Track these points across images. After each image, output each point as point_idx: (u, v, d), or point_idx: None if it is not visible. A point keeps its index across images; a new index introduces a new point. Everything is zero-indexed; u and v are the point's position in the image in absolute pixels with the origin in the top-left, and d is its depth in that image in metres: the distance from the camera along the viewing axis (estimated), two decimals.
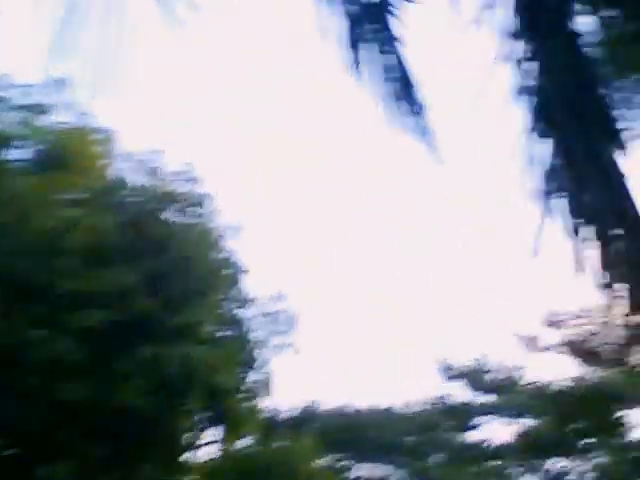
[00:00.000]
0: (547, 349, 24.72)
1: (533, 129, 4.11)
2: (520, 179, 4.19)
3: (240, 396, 13.24)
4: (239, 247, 13.52)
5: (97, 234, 12.25)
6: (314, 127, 28.86)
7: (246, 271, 13.54)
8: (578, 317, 24.57)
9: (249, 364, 13.39)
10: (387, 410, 22.20)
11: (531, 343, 24.52)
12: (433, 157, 4.35)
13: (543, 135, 4.10)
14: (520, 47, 4.20)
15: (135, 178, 13.46)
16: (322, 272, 25.18)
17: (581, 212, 4.09)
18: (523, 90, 4.13)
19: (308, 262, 27.97)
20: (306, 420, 20.76)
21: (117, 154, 13.90)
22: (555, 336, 24.71)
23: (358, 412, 21.84)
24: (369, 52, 4.41)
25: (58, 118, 13.92)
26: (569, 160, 4.05)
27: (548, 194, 4.14)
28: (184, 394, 12.45)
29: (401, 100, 4.39)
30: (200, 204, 13.35)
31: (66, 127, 14.05)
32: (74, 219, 12.29)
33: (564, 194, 4.14)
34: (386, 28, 4.39)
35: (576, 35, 4.23)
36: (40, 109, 13.84)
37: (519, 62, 4.18)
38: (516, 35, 4.23)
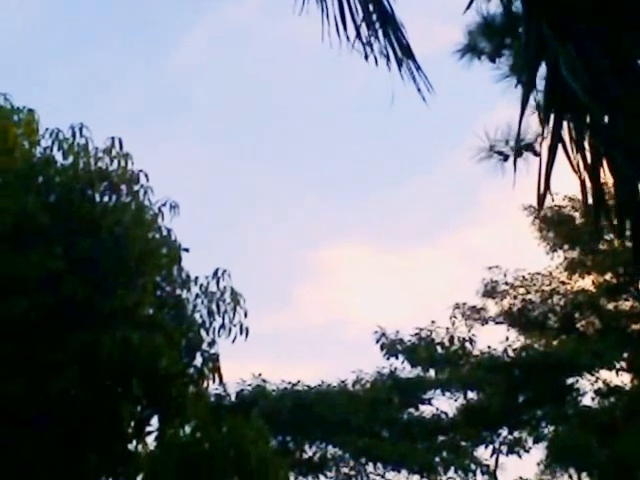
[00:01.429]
0: (490, 320, 24.68)
1: None
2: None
3: (184, 380, 12.65)
4: (177, 225, 12.89)
5: (21, 216, 11.61)
6: None
7: (185, 249, 12.94)
8: (519, 286, 24.55)
9: (193, 346, 12.78)
10: (336, 387, 21.88)
11: (473, 314, 24.45)
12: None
13: None
14: None
15: (62, 157, 12.74)
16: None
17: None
18: None
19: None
20: (254, 402, 20.33)
21: (41, 133, 13.27)
22: (497, 306, 24.69)
23: (307, 390, 21.47)
24: None
25: None
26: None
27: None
28: (124, 381, 11.83)
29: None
30: (133, 181, 12.68)
31: None
32: None
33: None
34: None
35: None
36: None
37: None
38: None
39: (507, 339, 22.57)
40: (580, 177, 3.93)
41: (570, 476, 21.30)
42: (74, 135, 12.77)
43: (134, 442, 13.23)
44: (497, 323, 24.39)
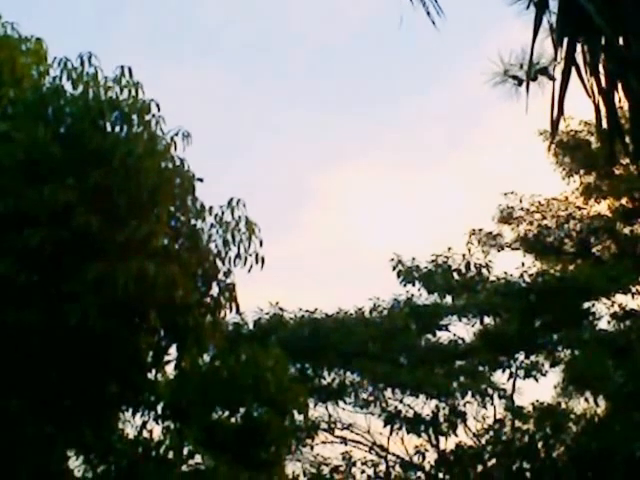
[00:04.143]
0: (506, 246, 24.63)
1: None
2: None
3: (201, 310, 12.67)
4: (190, 154, 12.76)
5: (32, 148, 11.52)
6: None
7: (200, 179, 12.84)
8: (535, 212, 24.45)
9: (209, 276, 12.77)
10: (353, 315, 21.98)
11: (489, 240, 24.41)
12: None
13: None
14: None
15: (71, 86, 12.59)
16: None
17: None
18: None
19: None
20: (272, 330, 20.48)
21: (51, 62, 13.14)
22: (513, 232, 24.64)
23: (324, 318, 21.58)
24: None
25: None
26: None
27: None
28: (141, 312, 11.86)
29: None
30: (144, 111, 12.53)
31: None
32: (5, 133, 11.55)
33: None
34: None
35: None
36: None
37: None
38: None
39: (523, 265, 22.58)
40: (594, 101, 3.83)
41: (586, 399, 21.45)
42: (83, 64, 12.59)
43: (153, 372, 13.35)
44: (513, 249, 24.39)
